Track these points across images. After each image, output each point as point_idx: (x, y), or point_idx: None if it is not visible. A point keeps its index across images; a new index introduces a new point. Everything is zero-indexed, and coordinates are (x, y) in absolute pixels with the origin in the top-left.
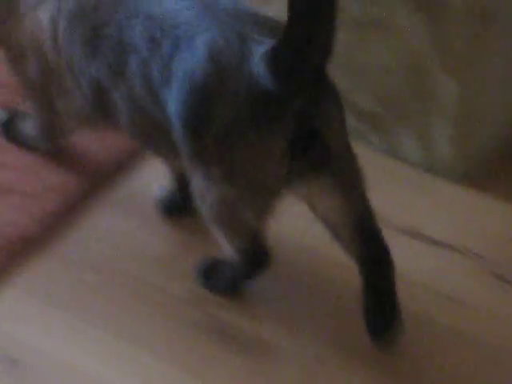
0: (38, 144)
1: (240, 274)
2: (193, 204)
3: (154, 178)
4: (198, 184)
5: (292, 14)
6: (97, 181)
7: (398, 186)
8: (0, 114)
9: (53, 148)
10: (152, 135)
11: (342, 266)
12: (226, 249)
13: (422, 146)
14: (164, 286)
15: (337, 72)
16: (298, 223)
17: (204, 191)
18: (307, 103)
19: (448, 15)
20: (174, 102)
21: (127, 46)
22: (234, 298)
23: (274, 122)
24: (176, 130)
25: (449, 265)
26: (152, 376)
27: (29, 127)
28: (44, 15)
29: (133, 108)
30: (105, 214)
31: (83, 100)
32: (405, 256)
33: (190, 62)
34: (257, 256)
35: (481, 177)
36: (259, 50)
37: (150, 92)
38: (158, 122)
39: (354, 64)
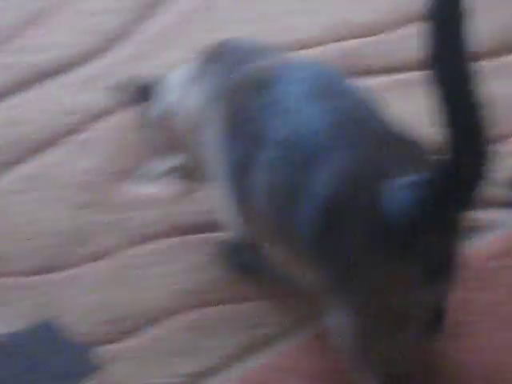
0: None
1: None
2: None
3: None
4: (333, 315)
5: (453, 151)
6: None
7: None
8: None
9: None
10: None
11: None
12: None
13: None
14: None
15: None
16: None
17: (339, 323)
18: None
19: None
20: (305, 220)
21: (263, 136)
22: None
23: (404, 252)
24: (305, 248)
25: None
26: None
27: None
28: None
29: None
30: None
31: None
32: None
33: (323, 181)
34: None
35: None
36: (396, 184)
37: (273, 198)
38: (282, 228)
39: None
